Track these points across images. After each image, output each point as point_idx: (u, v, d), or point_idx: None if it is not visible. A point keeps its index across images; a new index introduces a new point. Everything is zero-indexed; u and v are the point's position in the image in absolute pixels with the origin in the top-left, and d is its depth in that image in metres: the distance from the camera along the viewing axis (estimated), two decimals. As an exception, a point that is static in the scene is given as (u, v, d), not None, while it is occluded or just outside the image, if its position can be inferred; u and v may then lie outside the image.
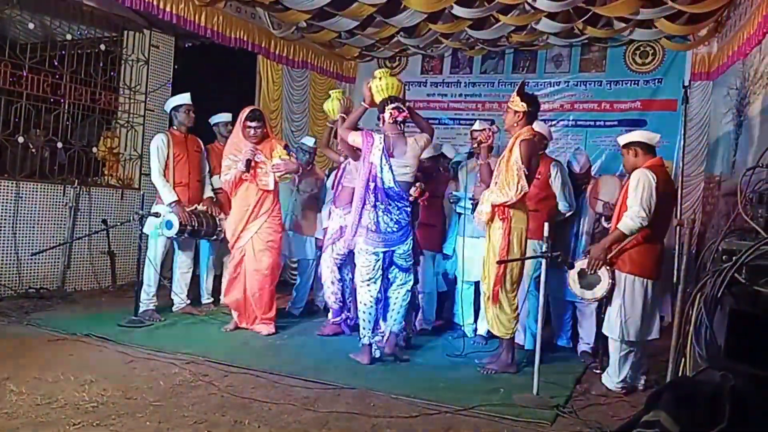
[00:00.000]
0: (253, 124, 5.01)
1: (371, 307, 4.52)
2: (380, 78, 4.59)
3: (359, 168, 4.59)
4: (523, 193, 4.18)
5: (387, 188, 4.42)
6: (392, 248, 4.50)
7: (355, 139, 4.55)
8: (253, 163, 5.01)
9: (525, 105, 4.29)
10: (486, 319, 4.55)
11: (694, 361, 2.78)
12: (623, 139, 4.17)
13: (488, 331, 5.19)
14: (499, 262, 4.23)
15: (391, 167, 4.41)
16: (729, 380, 1.87)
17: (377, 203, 4.42)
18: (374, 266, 4.48)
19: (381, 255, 4.48)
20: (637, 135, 4.10)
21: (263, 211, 5.11)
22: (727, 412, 1.75)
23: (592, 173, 5.57)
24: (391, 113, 4.45)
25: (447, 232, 5.67)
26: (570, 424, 3.42)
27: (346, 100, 5.42)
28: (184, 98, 5.63)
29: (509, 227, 4.24)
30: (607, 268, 4.00)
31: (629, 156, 4.11)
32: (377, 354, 4.51)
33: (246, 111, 5.09)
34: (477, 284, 5.36)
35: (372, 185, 4.42)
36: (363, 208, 4.45)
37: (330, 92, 5.45)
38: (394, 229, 4.46)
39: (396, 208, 4.45)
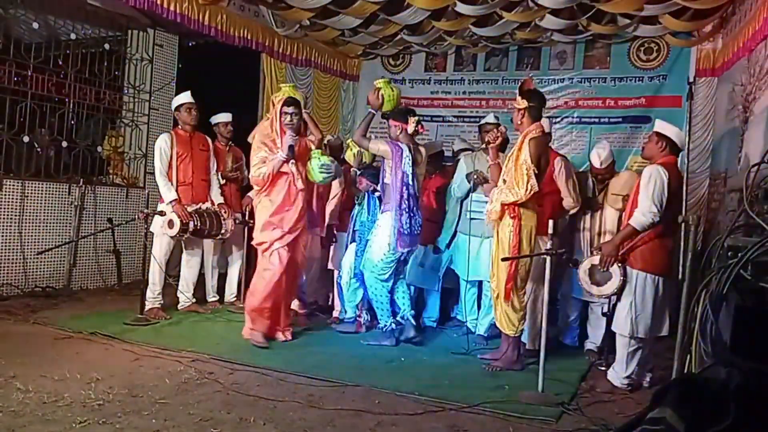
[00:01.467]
0: (290, 109, 4.82)
1: (386, 296, 4.95)
2: (390, 88, 4.93)
3: (390, 177, 4.86)
4: (533, 192, 4.18)
5: (413, 194, 4.85)
6: (415, 248, 5.00)
7: (380, 147, 4.89)
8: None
9: (525, 101, 4.31)
10: (495, 316, 4.54)
11: (700, 357, 2.78)
12: (662, 127, 4.08)
13: (488, 331, 5.20)
14: (504, 260, 4.24)
15: (416, 175, 4.87)
16: (734, 377, 1.87)
17: (410, 208, 4.83)
18: (395, 265, 4.93)
19: (403, 255, 4.93)
20: (675, 133, 4.04)
21: (303, 213, 4.93)
22: (732, 409, 1.75)
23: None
24: (416, 127, 4.90)
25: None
26: (575, 421, 3.41)
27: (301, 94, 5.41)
28: (185, 97, 5.64)
29: (519, 225, 4.25)
30: (618, 264, 3.99)
31: (655, 145, 4.07)
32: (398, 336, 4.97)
33: (282, 99, 4.91)
34: (479, 282, 5.37)
35: (405, 193, 4.81)
36: (401, 214, 4.80)
37: (281, 86, 5.33)
38: (418, 231, 4.92)
39: (418, 211, 4.92)
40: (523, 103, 4.31)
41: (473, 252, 5.18)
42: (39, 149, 6.43)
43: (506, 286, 4.29)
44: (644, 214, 3.84)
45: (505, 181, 4.38)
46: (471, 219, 5.17)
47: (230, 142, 6.11)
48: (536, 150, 4.20)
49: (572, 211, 4.98)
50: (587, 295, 4.59)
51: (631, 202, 4.07)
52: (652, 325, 3.97)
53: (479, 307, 5.44)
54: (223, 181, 5.95)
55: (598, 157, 5.02)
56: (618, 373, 4.07)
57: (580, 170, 6.14)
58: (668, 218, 3.91)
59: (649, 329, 3.96)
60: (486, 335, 5.21)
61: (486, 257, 5.08)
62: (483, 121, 5.69)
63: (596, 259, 4.09)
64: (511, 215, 4.26)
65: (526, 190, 4.16)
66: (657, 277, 3.97)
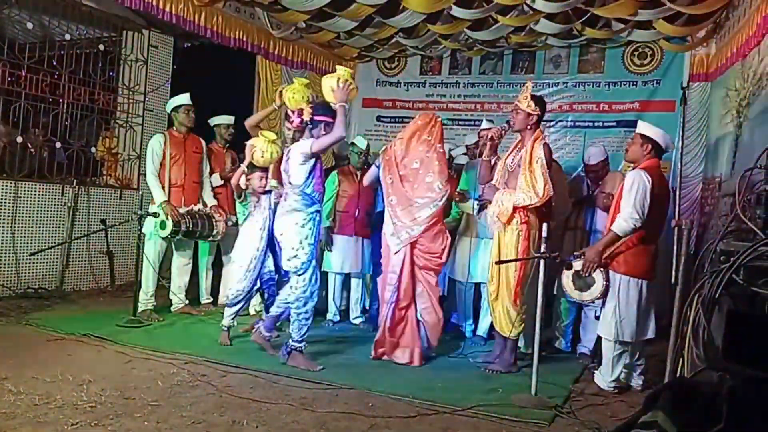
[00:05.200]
0: None
1: None
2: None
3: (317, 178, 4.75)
4: (549, 195, 4.20)
5: None
6: None
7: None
8: None
9: (539, 108, 4.37)
10: (493, 319, 4.54)
11: (692, 361, 2.78)
12: (645, 129, 4.10)
13: (488, 332, 5.22)
14: (498, 263, 4.26)
15: None
16: (726, 381, 1.88)
17: None
18: None
19: None
20: (660, 135, 4.06)
21: None
22: (724, 413, 1.76)
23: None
24: None
25: None
26: (568, 425, 3.42)
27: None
28: (184, 99, 5.64)
29: (529, 231, 4.27)
30: (601, 269, 4.00)
31: (638, 147, 4.09)
32: None
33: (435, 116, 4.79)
34: (476, 285, 5.37)
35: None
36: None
37: (295, 79, 5.00)
38: None
39: None
40: (536, 110, 4.36)
41: (468, 253, 5.19)
42: (33, 149, 6.40)
43: (516, 289, 4.31)
44: (626, 219, 3.86)
45: (506, 184, 4.39)
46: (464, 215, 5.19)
47: (228, 144, 6.11)
48: (549, 154, 4.29)
49: (562, 217, 5.00)
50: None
51: (614, 207, 4.08)
52: (637, 329, 3.98)
53: (474, 310, 5.46)
54: (221, 182, 5.94)
55: (589, 154, 5.14)
56: (604, 377, 4.09)
57: (575, 173, 6.17)
58: (652, 222, 3.93)
59: (634, 333, 3.98)
60: (486, 337, 5.23)
61: (482, 258, 5.10)
62: (481, 128, 5.68)
63: (579, 264, 4.10)
64: (522, 220, 4.27)
65: (544, 193, 4.18)
66: (640, 281, 3.98)
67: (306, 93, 4.85)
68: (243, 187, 4.89)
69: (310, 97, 4.86)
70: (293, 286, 4.34)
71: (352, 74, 4.62)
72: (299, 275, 4.29)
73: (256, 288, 4.88)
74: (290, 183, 4.34)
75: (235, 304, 4.81)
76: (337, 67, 4.57)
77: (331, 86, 4.37)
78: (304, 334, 4.30)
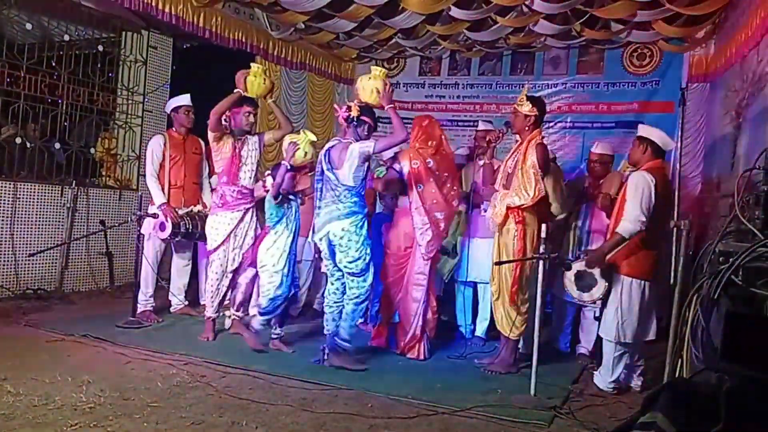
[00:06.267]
0: None
1: None
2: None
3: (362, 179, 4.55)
4: (540, 196, 4.21)
5: None
6: None
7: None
8: None
9: (536, 109, 4.36)
10: (495, 319, 4.54)
11: (691, 362, 2.79)
12: (644, 130, 4.12)
13: (486, 333, 5.22)
14: (497, 263, 4.26)
15: None
16: (725, 382, 1.88)
17: None
18: None
19: None
20: (657, 135, 4.06)
21: None
22: (723, 414, 1.76)
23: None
24: None
25: None
26: (567, 426, 3.42)
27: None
28: (184, 99, 5.63)
29: (524, 230, 4.27)
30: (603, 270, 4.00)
31: (638, 149, 4.09)
32: None
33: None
34: (475, 285, 5.37)
35: None
36: None
37: (252, 64, 5.05)
38: None
39: None
40: (533, 111, 4.35)
41: (468, 253, 5.19)
42: (30, 145, 6.38)
43: (512, 289, 4.30)
44: (632, 222, 3.83)
45: (504, 185, 4.39)
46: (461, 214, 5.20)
47: None
48: (543, 155, 4.27)
49: (559, 217, 4.99)
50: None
51: (617, 209, 4.07)
52: (639, 330, 3.98)
53: (474, 310, 5.46)
54: None
55: (597, 144, 5.16)
56: (604, 378, 4.08)
57: (574, 175, 6.16)
58: (654, 223, 3.92)
59: (636, 334, 3.97)
60: (485, 337, 5.23)
61: (480, 258, 5.09)
62: (477, 129, 5.69)
63: (579, 265, 4.09)
64: (516, 220, 4.28)
65: (534, 194, 4.19)
66: (643, 282, 3.97)
67: (269, 83, 4.94)
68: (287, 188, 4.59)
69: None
70: (351, 287, 4.32)
71: (263, 69, 4.61)
72: (359, 276, 4.27)
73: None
74: (342, 185, 4.24)
75: (272, 311, 4.61)
76: (372, 68, 4.50)
77: (375, 88, 4.29)
78: (353, 334, 4.37)
